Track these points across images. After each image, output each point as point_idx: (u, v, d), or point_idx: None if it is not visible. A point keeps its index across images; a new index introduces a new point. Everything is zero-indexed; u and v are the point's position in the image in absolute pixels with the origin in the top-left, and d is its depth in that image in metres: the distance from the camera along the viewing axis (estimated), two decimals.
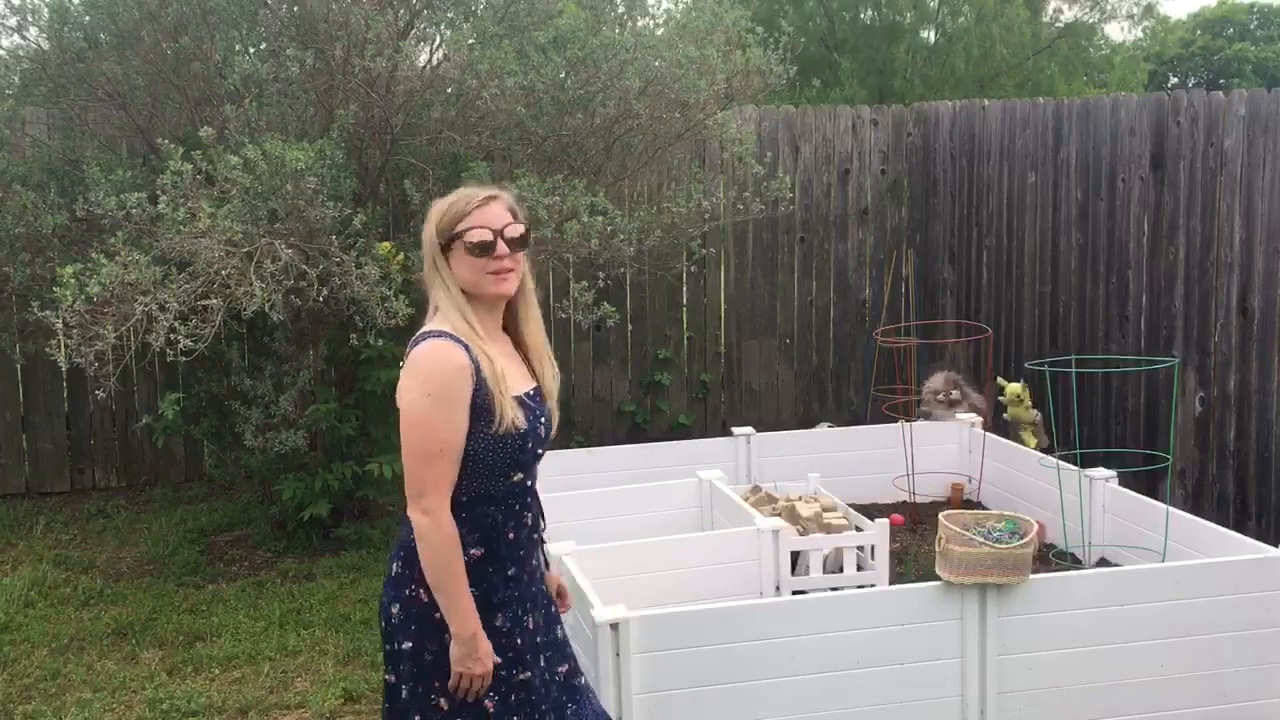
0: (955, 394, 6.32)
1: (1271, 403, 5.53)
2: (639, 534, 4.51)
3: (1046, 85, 18.09)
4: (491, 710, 2.78)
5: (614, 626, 3.36)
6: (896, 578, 4.49)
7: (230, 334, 6.04)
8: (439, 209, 2.82)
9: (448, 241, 2.78)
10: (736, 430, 5.59)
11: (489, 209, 2.79)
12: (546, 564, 3.04)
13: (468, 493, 2.76)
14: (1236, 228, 5.70)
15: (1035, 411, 6.02)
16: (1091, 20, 19.93)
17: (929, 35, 19.24)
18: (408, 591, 2.76)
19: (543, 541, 2.99)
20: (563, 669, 2.92)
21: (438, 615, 2.73)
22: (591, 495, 4.82)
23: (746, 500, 4.80)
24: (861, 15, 18.86)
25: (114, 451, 7.44)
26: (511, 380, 2.79)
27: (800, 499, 4.89)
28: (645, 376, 8.17)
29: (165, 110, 6.12)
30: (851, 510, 4.75)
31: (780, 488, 5.07)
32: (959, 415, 5.86)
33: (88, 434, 7.43)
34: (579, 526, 4.51)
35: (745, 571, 4.21)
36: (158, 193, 5.05)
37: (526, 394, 2.83)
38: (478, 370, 2.71)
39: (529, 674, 2.82)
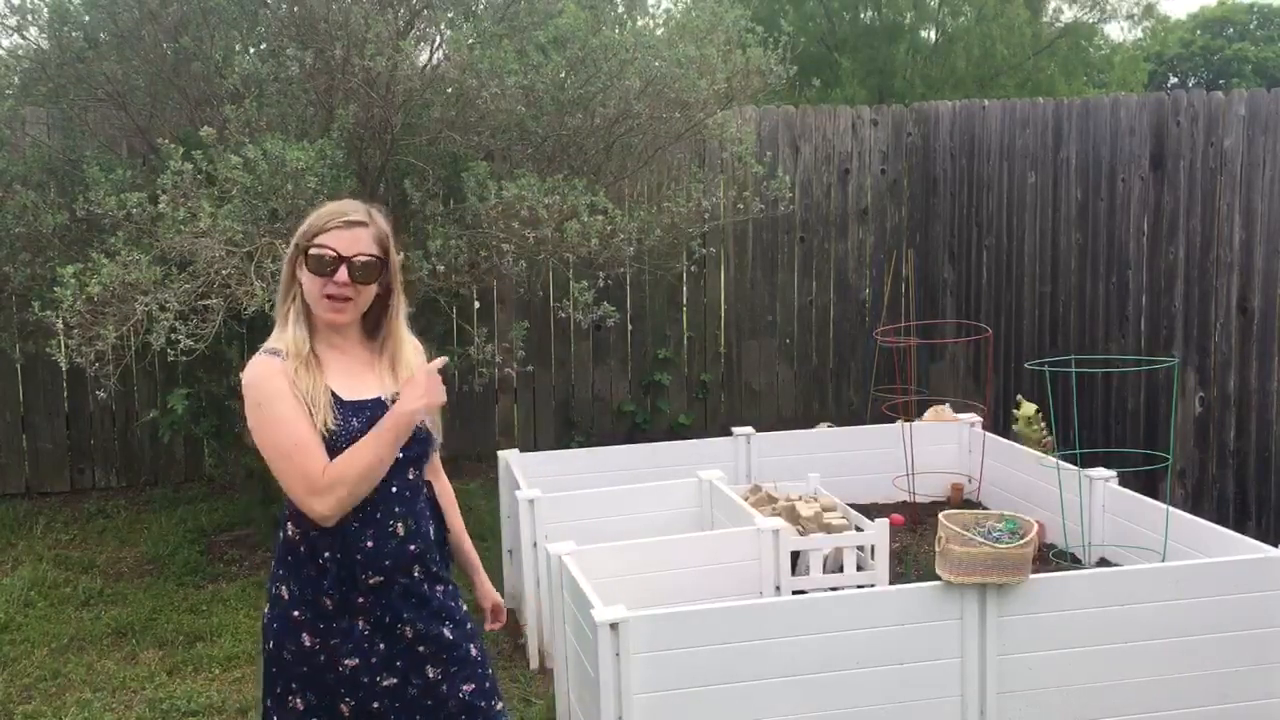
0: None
1: (1271, 403, 5.53)
2: (639, 534, 4.51)
3: (1046, 85, 18.08)
4: (347, 714, 2.75)
5: (614, 626, 3.36)
6: (896, 578, 4.49)
7: (230, 334, 6.04)
8: (311, 214, 2.76)
9: (303, 250, 2.71)
10: (736, 430, 5.59)
11: (349, 232, 2.70)
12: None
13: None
14: (1236, 228, 5.70)
15: (1047, 436, 5.90)
16: (1091, 20, 19.92)
17: (929, 35, 19.24)
18: (274, 590, 2.76)
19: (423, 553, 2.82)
20: (467, 688, 2.83)
21: (295, 613, 2.71)
22: (591, 495, 4.82)
23: (746, 500, 4.80)
24: (862, 15, 18.86)
25: (114, 451, 7.44)
26: (345, 387, 2.73)
27: (800, 499, 4.89)
28: (645, 376, 8.16)
29: (165, 110, 6.11)
30: (851, 510, 4.75)
31: (780, 488, 5.07)
32: None
33: (88, 434, 7.43)
34: (579, 526, 4.52)
35: (745, 571, 4.20)
36: (158, 192, 5.05)
37: (365, 400, 2.74)
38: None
39: (394, 681, 2.76)
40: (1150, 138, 6.23)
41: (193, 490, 7.32)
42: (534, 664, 4.71)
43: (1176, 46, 37.48)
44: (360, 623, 2.73)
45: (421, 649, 2.78)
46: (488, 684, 2.88)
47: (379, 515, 2.71)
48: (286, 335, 2.74)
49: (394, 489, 2.72)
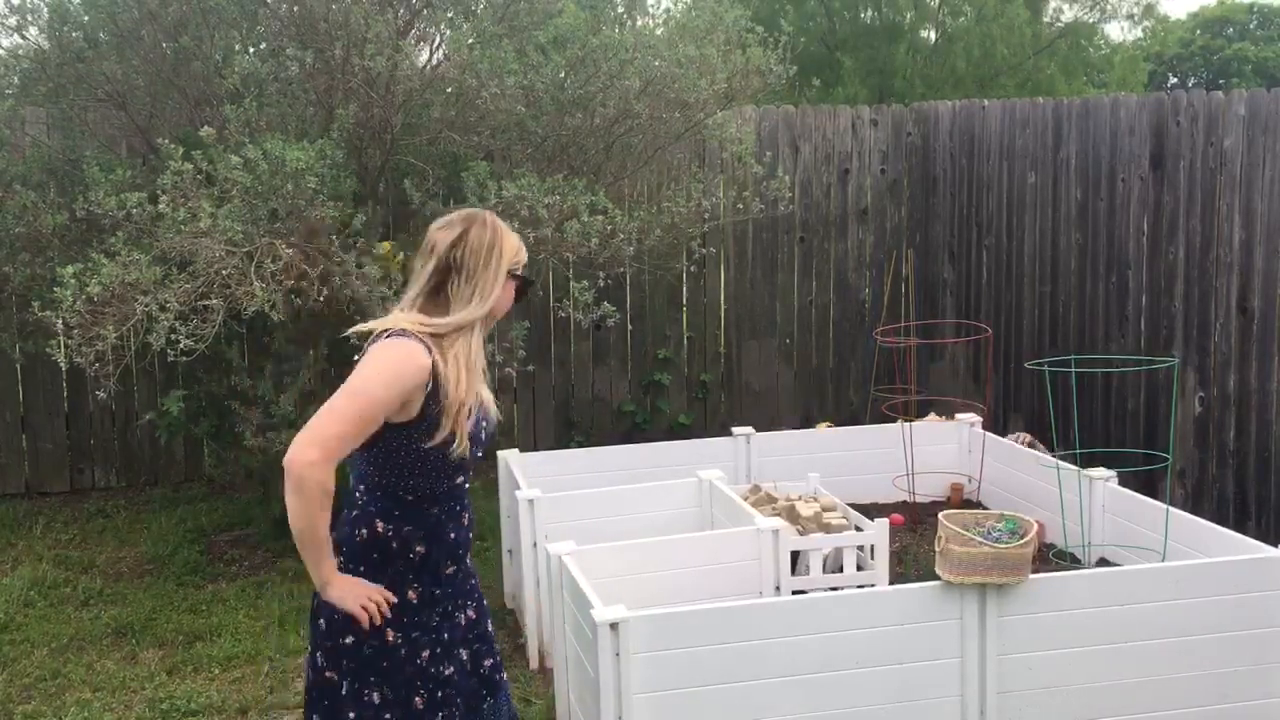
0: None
1: (1271, 403, 5.53)
2: (639, 534, 4.51)
3: (1046, 85, 18.09)
4: (421, 706, 2.88)
5: (614, 626, 3.36)
6: (896, 578, 4.49)
7: (230, 334, 6.04)
8: (508, 236, 2.95)
9: (512, 274, 2.93)
10: (736, 430, 5.59)
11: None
12: None
13: (415, 492, 2.86)
14: (1236, 228, 5.70)
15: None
16: (1091, 20, 19.94)
17: (929, 35, 19.25)
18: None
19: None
20: (487, 663, 3.04)
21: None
22: (591, 495, 4.82)
23: (746, 500, 4.80)
24: (862, 15, 18.87)
25: (114, 451, 7.44)
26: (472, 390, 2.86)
27: (800, 499, 4.89)
28: (645, 376, 8.16)
29: (165, 110, 6.11)
30: (851, 510, 4.75)
31: (780, 488, 5.07)
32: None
33: (88, 434, 7.43)
34: (579, 526, 4.52)
35: (745, 571, 4.20)
36: (158, 192, 5.05)
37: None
38: (435, 375, 2.78)
39: (452, 669, 2.92)
40: (1150, 138, 6.23)
41: (193, 490, 7.32)
42: (534, 664, 4.71)
43: (1176, 46, 37.48)
44: (434, 614, 2.90)
45: (470, 634, 3.00)
46: (498, 656, 3.11)
47: (457, 508, 2.93)
48: (473, 344, 2.86)
49: (464, 482, 2.93)
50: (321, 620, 2.89)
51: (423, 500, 2.86)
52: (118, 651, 5.09)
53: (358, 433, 2.73)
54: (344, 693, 2.87)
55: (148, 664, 4.94)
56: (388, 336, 2.80)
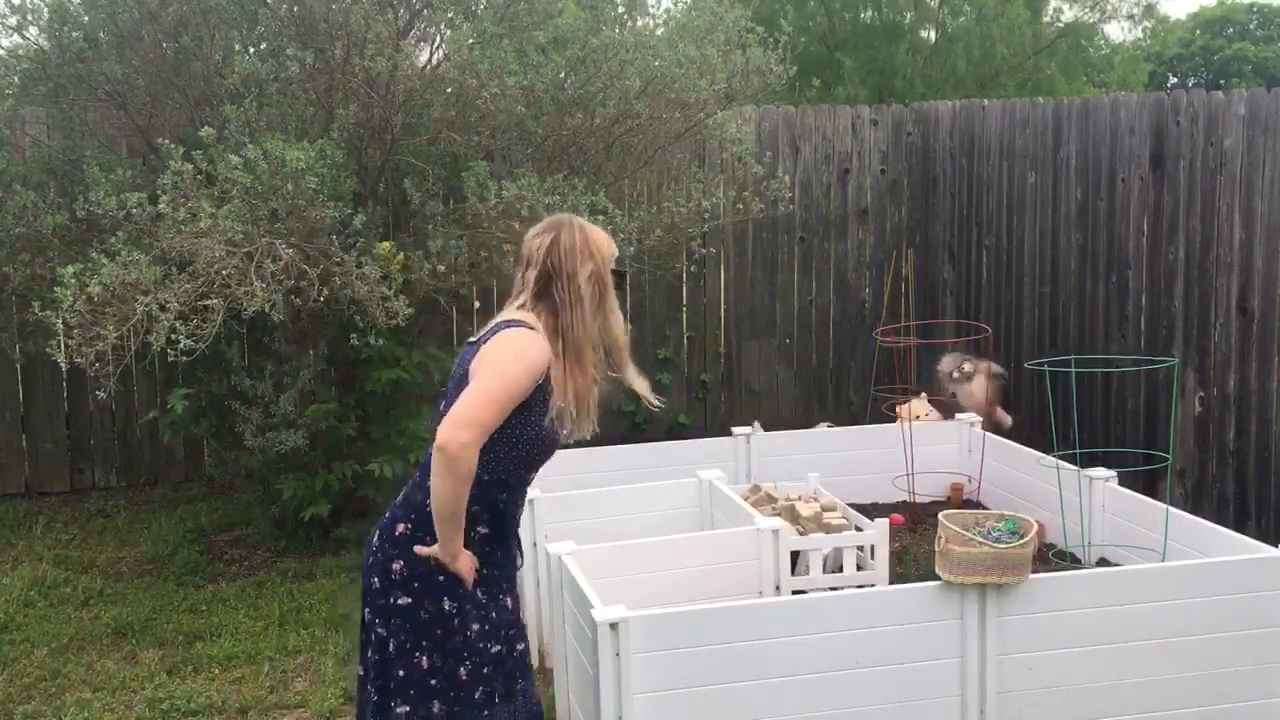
0: (967, 367, 6.33)
1: (1271, 403, 5.53)
2: (639, 534, 4.51)
3: (1046, 85, 18.09)
4: (465, 677, 3.01)
5: (614, 626, 3.36)
6: (896, 578, 4.49)
7: (230, 334, 6.04)
8: (596, 233, 3.15)
9: (614, 271, 3.16)
10: (736, 430, 5.58)
11: None
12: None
13: (492, 474, 3.01)
14: (1236, 228, 5.70)
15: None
16: (1091, 20, 19.93)
17: (929, 35, 19.25)
18: (416, 551, 3.00)
19: None
20: (520, 647, 3.17)
21: (441, 578, 2.99)
22: (591, 495, 4.82)
23: (746, 500, 4.80)
24: (862, 15, 18.87)
25: (114, 451, 7.45)
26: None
27: (800, 499, 4.89)
28: (645, 376, 8.15)
29: (165, 110, 6.11)
30: (851, 510, 4.75)
31: (780, 488, 5.07)
32: (979, 381, 5.93)
33: (88, 434, 7.43)
34: (579, 526, 4.51)
35: (745, 571, 4.20)
36: (158, 192, 5.05)
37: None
38: (549, 370, 3.00)
39: (500, 648, 3.07)
40: (1150, 138, 6.23)
41: (193, 490, 7.32)
42: (534, 664, 4.71)
43: (1176, 46, 37.49)
44: (483, 592, 3.06)
45: (510, 617, 3.15)
46: (528, 642, 3.28)
47: (520, 498, 3.14)
48: (584, 346, 3.08)
49: (532, 477, 3.12)
50: (375, 579, 3.04)
51: (495, 484, 3.02)
52: (118, 651, 5.09)
53: (502, 414, 2.91)
54: (392, 649, 3.02)
55: (148, 664, 4.94)
56: (510, 327, 3.00)
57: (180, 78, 5.93)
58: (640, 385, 3.25)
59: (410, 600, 2.99)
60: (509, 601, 3.14)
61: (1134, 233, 6.38)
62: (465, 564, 2.99)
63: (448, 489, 2.87)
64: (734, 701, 3.46)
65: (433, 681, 3.00)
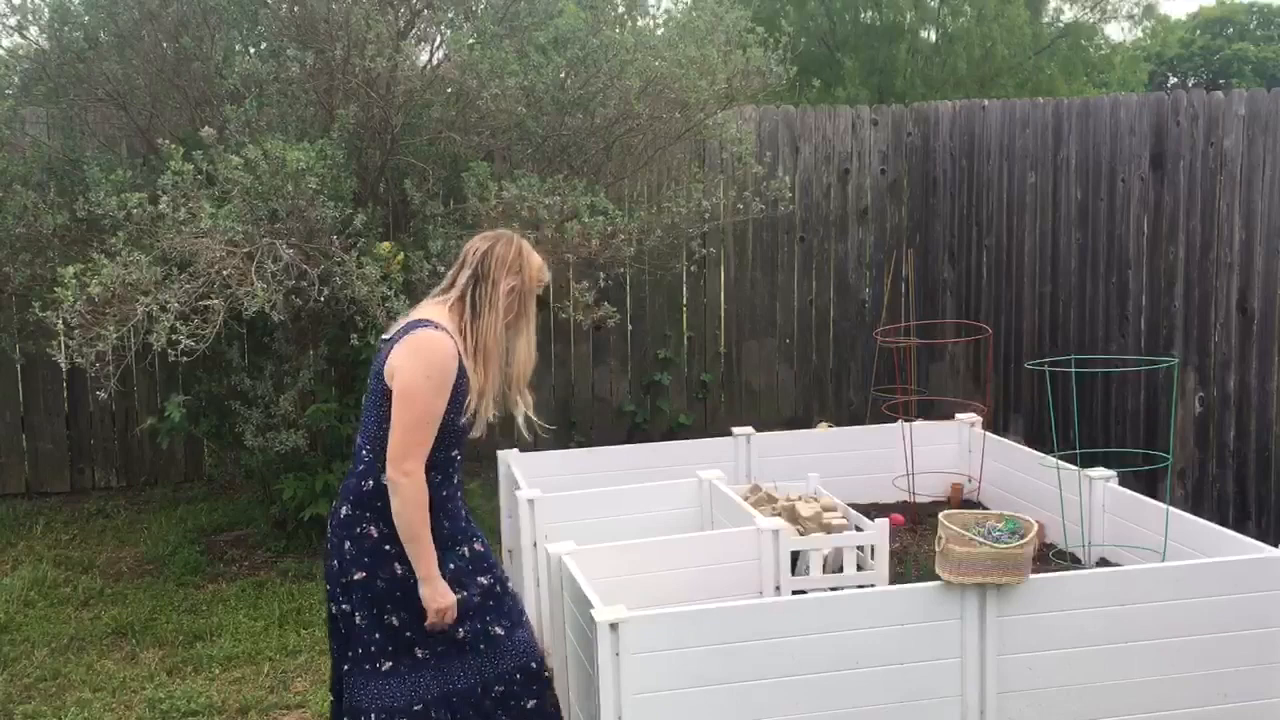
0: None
1: (1271, 403, 5.53)
2: (639, 534, 4.51)
3: (1047, 85, 18.10)
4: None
5: (614, 626, 3.36)
6: (896, 578, 4.48)
7: (230, 334, 6.04)
8: (531, 256, 3.44)
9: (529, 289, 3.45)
10: (736, 430, 5.58)
11: None
12: None
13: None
14: (1236, 228, 5.70)
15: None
16: (1092, 20, 19.95)
17: (930, 35, 19.26)
18: (359, 530, 3.29)
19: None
20: (510, 583, 3.55)
21: (386, 547, 3.26)
22: (591, 495, 4.81)
23: (746, 500, 4.79)
24: (862, 15, 18.88)
25: (114, 451, 7.45)
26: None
27: (800, 499, 4.88)
28: (645, 376, 8.16)
29: (165, 110, 6.11)
30: (851, 510, 4.75)
31: (780, 488, 5.07)
32: None
33: (88, 434, 7.43)
34: (579, 526, 4.51)
35: (745, 571, 4.20)
36: (158, 193, 5.05)
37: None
38: (461, 363, 3.25)
39: (465, 594, 3.33)
40: (1150, 138, 6.23)
41: (193, 490, 7.32)
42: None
43: (1176, 46, 37.46)
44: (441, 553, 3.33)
45: (484, 563, 3.46)
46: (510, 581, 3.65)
47: (451, 473, 3.40)
48: (491, 342, 3.35)
49: (458, 455, 3.40)
50: (334, 561, 3.33)
51: (427, 467, 3.26)
52: (118, 651, 5.09)
53: (432, 430, 3.22)
54: (359, 620, 3.27)
55: (148, 664, 4.95)
56: (419, 328, 3.25)
57: (180, 78, 5.93)
58: (519, 409, 3.49)
59: (365, 574, 3.26)
60: (470, 550, 3.40)
61: (1134, 233, 6.38)
62: (436, 592, 3.25)
63: (410, 513, 3.20)
64: (734, 702, 3.46)
65: (408, 634, 3.28)
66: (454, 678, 3.34)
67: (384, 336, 3.39)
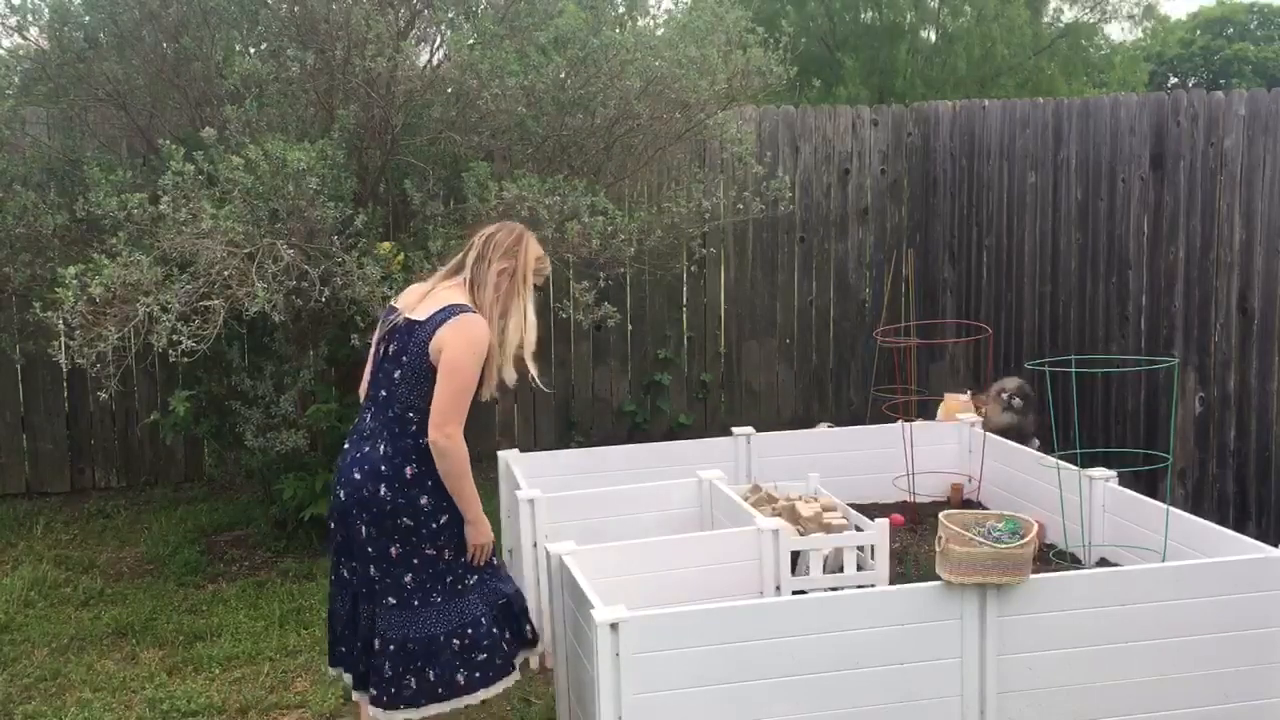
0: (1018, 402, 6.29)
1: (1271, 403, 5.53)
2: (639, 534, 4.51)
3: (1047, 85, 18.11)
4: (449, 557, 3.75)
5: (614, 626, 3.36)
6: (896, 578, 4.49)
7: (231, 334, 6.04)
8: (532, 243, 3.84)
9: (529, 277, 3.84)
10: (736, 430, 5.58)
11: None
12: None
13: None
14: (1236, 228, 5.70)
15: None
16: (1092, 20, 19.96)
17: (930, 35, 19.27)
18: (406, 471, 3.65)
19: None
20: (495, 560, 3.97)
21: (417, 493, 3.66)
22: (591, 495, 4.82)
23: (746, 500, 4.79)
24: (862, 15, 18.89)
25: (114, 451, 7.45)
26: None
27: (800, 499, 4.88)
28: (645, 376, 8.17)
29: (165, 110, 6.11)
30: (851, 510, 4.75)
31: (780, 488, 5.07)
32: (1005, 421, 6.03)
33: (88, 434, 7.43)
34: (579, 526, 4.51)
35: (745, 571, 4.20)
36: (159, 193, 5.05)
37: None
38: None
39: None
40: (1150, 138, 6.23)
41: (193, 490, 7.33)
42: (534, 664, 4.70)
43: (1176, 46, 37.50)
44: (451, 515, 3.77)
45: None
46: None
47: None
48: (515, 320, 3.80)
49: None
50: (358, 523, 3.67)
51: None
52: (118, 651, 5.09)
53: (469, 398, 3.62)
54: (394, 555, 3.67)
55: (148, 664, 4.95)
56: (460, 312, 3.64)
57: (181, 78, 5.93)
58: (509, 375, 3.82)
59: (405, 519, 3.65)
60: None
61: (1134, 233, 6.38)
62: (484, 531, 3.76)
63: (455, 469, 3.63)
64: (734, 702, 3.46)
65: (447, 557, 3.71)
66: (500, 593, 3.85)
67: (412, 316, 3.69)
